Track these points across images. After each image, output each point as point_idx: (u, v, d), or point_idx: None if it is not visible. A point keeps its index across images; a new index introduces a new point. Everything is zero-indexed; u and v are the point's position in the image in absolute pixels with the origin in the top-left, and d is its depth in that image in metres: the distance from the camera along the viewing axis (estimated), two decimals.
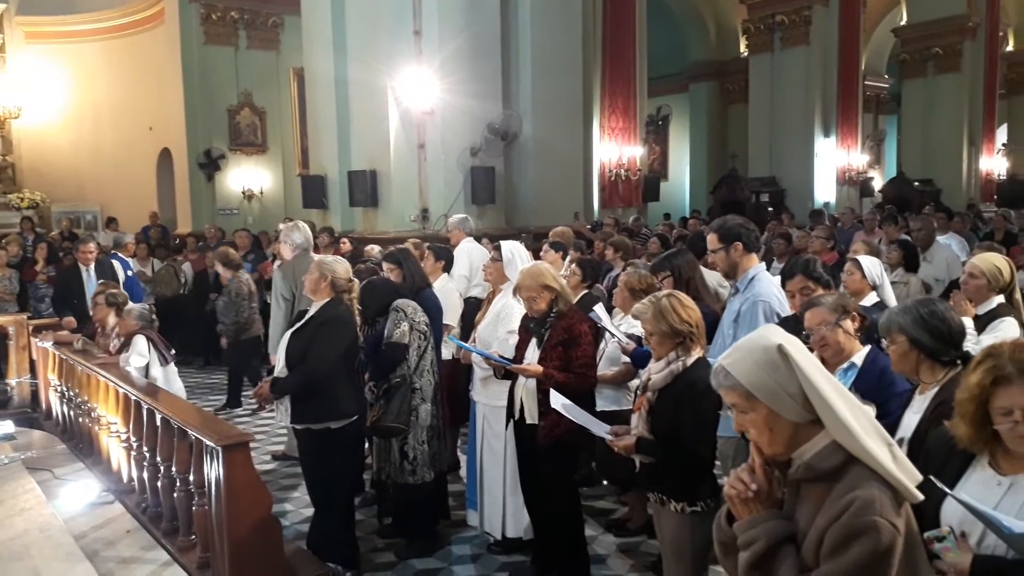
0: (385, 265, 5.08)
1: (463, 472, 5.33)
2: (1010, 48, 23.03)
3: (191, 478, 3.88)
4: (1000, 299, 3.87)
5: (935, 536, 2.02)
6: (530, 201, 10.45)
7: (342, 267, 4.21)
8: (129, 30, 15.96)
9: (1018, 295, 4.10)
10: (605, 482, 5.45)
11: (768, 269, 6.10)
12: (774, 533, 1.67)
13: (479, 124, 9.69)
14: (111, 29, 16.14)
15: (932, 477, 1.99)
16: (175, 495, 4.06)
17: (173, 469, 4.04)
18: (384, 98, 9.46)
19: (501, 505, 4.42)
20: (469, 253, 6.60)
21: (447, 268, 5.67)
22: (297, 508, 5.26)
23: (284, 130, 15.63)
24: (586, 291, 5.20)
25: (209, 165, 14.60)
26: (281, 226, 6.33)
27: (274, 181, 15.49)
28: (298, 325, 4.16)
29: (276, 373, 4.17)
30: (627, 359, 4.43)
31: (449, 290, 5.54)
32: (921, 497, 1.66)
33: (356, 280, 4.33)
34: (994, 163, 21.44)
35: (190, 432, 3.83)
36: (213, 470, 3.65)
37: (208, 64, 14.51)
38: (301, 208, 11.52)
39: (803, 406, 1.67)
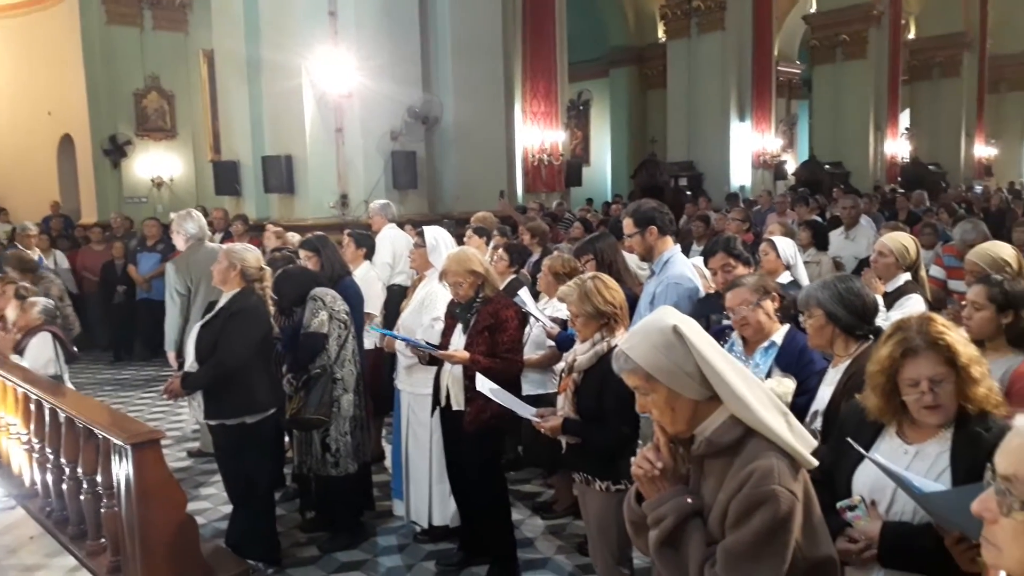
0: (302, 253, 4.93)
1: (388, 463, 5.25)
2: (912, 36, 24.07)
3: (99, 479, 3.71)
4: (907, 276, 4.02)
5: (847, 505, 2.08)
6: (453, 186, 10.35)
7: (252, 255, 4.06)
8: (25, 8, 14.99)
9: (923, 272, 4.27)
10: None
11: (687, 252, 6.25)
12: (682, 509, 1.71)
13: (399, 108, 9.51)
14: (5, 8, 15.13)
15: (849, 439, 2.05)
16: (82, 498, 3.88)
17: (79, 470, 3.85)
18: (299, 81, 9.18)
19: (427, 494, 4.37)
20: (392, 240, 6.48)
21: (368, 255, 5.55)
22: (215, 505, 5.09)
23: (194, 114, 15.02)
24: (513, 276, 5.19)
25: (114, 152, 13.92)
26: (173, 215, 5.99)
27: (185, 167, 14.89)
28: (208, 317, 4.00)
29: (186, 367, 3.99)
30: (552, 343, 4.43)
31: (371, 278, 5.43)
32: (815, 463, 1.71)
33: (268, 269, 4.18)
34: (898, 146, 22.42)
35: (97, 431, 3.65)
36: (122, 470, 3.50)
37: (111, 45, 13.79)
38: (214, 195, 11.11)
39: (701, 384, 1.71)
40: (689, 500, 1.74)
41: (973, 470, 1.87)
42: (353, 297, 4.72)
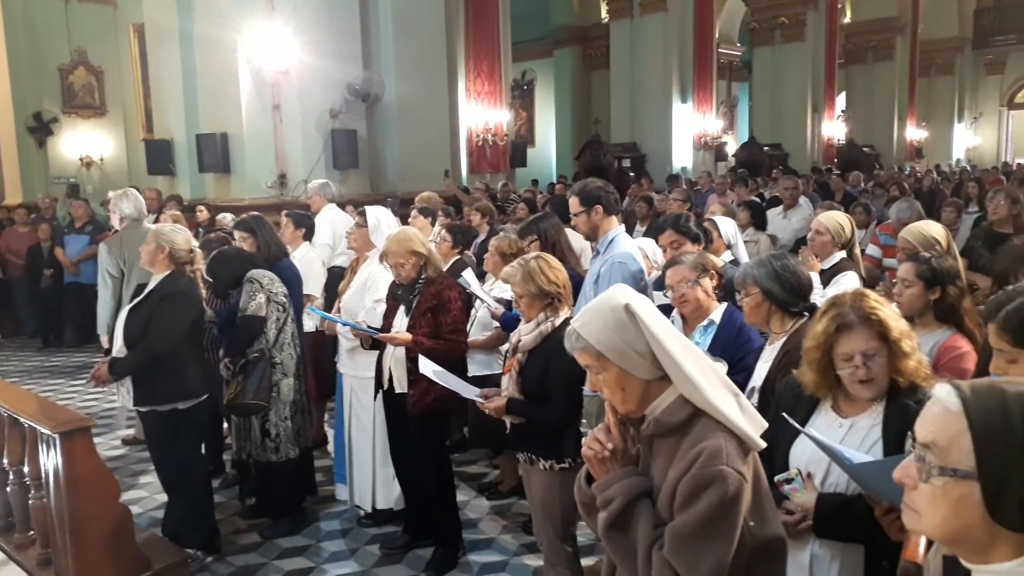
0: (237, 234, 4.79)
1: (331, 447, 5.17)
2: (847, 20, 24.61)
3: (26, 470, 3.56)
4: (842, 254, 4.12)
5: (784, 479, 2.13)
6: (396, 166, 10.19)
7: (181, 237, 3.93)
8: None
9: (857, 251, 4.38)
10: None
11: (631, 233, 6.29)
12: (630, 490, 1.70)
13: (338, 85, 9.30)
14: None
15: (785, 414, 2.09)
16: (8, 489, 3.73)
17: (4, 461, 3.70)
18: (234, 56, 8.89)
19: (371, 477, 4.33)
20: (332, 220, 6.34)
21: (308, 236, 5.43)
22: (151, 494, 4.95)
23: (125, 91, 14.43)
24: (457, 257, 5.13)
25: (40, 130, 13.31)
26: (111, 194, 5.81)
27: (116, 146, 14.34)
28: (136, 300, 3.86)
29: (115, 352, 3.85)
30: (497, 324, 4.41)
31: (310, 259, 5.31)
32: (763, 445, 1.72)
33: (199, 251, 4.05)
34: (834, 128, 22.97)
35: (23, 420, 3.50)
36: (51, 460, 3.37)
37: (34, 18, 13.13)
38: (146, 175, 10.74)
39: (652, 363, 1.69)
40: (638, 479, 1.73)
41: (903, 440, 1.92)
42: (292, 279, 4.61)
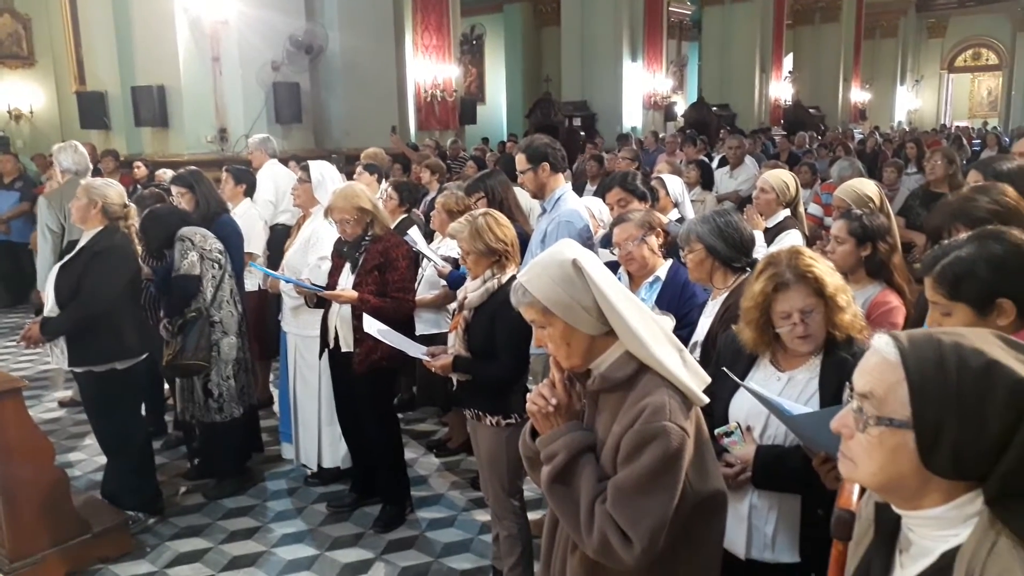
0: (174, 189, 4.63)
1: (277, 407, 5.11)
2: None
3: None
4: (786, 212, 4.17)
5: (724, 432, 2.16)
6: (341, 121, 9.95)
7: (114, 191, 3.78)
8: None
9: (801, 209, 4.44)
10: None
11: (581, 193, 6.28)
12: (574, 445, 1.70)
13: (280, 37, 9.00)
14: None
15: (724, 368, 2.11)
16: None
17: None
18: (170, 5, 8.52)
19: (316, 436, 4.29)
20: (274, 177, 6.17)
21: (248, 192, 5.28)
22: (90, 456, 4.84)
23: (55, 40, 13.70)
24: (404, 215, 5.05)
25: None
26: (55, 147, 5.60)
27: (46, 99, 13.68)
28: (68, 257, 3.71)
29: (46, 312, 3.71)
30: (444, 282, 4.38)
31: (252, 216, 5.17)
32: (706, 400, 1.74)
33: (133, 205, 3.90)
34: (781, 89, 23.20)
35: None
36: None
37: None
38: (79, 129, 10.29)
39: (598, 319, 1.69)
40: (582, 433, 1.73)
41: (839, 392, 1.95)
42: (232, 236, 4.49)
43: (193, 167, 4.98)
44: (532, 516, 3.43)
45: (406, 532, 3.91)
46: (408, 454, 4.55)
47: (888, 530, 1.20)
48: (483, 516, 3.94)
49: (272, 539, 3.88)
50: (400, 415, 5.13)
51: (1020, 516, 1.02)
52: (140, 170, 8.13)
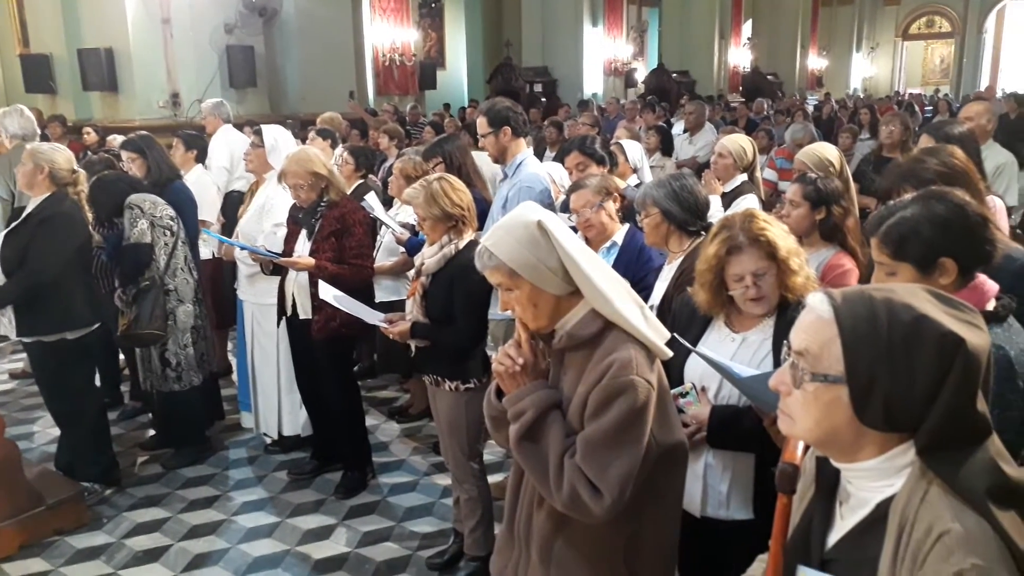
0: (124, 154, 4.51)
1: (236, 376, 5.06)
2: None
3: None
4: (743, 178, 4.21)
5: (679, 392, 2.20)
6: (297, 85, 9.75)
7: (62, 156, 3.67)
8: None
9: (758, 174, 4.49)
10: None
11: (541, 159, 6.25)
12: (542, 402, 1.73)
13: None
14: None
15: (676, 335, 2.14)
16: None
17: None
18: None
19: (276, 405, 4.27)
20: (228, 142, 6.02)
21: (200, 158, 5.16)
22: (44, 428, 4.76)
23: None
24: (360, 181, 4.99)
25: None
26: None
27: None
28: (14, 224, 3.60)
29: None
30: (403, 249, 4.35)
31: (205, 182, 5.06)
32: (670, 353, 1.78)
33: (81, 171, 3.79)
34: (740, 56, 23.29)
35: None
36: None
37: None
38: (24, 93, 9.92)
39: (563, 279, 1.71)
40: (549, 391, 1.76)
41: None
42: (185, 202, 4.40)
43: (144, 132, 4.85)
44: (492, 479, 3.47)
45: (368, 498, 3.92)
46: (369, 421, 4.55)
47: (828, 483, 1.23)
48: (444, 480, 3.97)
49: (232, 507, 3.87)
50: (361, 382, 5.13)
51: (949, 465, 1.05)
52: (90, 136, 7.89)
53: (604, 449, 1.64)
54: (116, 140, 6.51)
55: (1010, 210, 4.17)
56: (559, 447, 1.69)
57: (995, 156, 4.23)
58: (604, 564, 1.79)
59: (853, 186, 3.66)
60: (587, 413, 1.68)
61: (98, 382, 4.40)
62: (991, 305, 1.71)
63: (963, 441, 1.06)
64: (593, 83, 17.99)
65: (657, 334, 1.75)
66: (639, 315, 1.74)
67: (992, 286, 1.74)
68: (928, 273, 1.69)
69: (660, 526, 1.85)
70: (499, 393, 1.85)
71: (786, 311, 2.13)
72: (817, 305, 1.13)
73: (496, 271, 1.74)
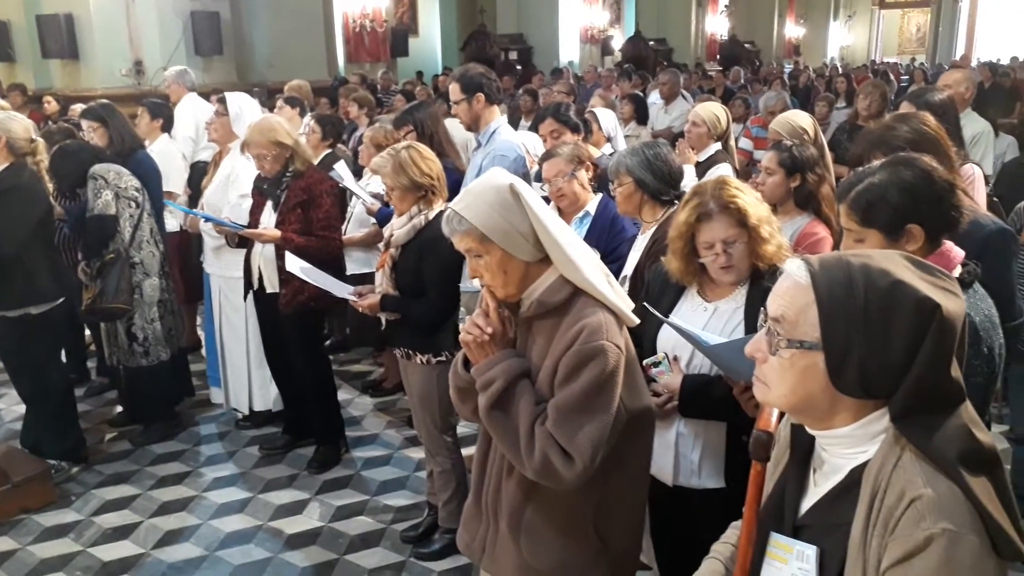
0: (85, 123, 4.38)
1: (206, 351, 4.99)
2: None
3: None
4: (718, 146, 4.18)
5: (652, 362, 2.19)
6: (265, 53, 9.53)
7: (19, 125, 3.55)
8: None
9: (732, 142, 4.45)
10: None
11: (516, 127, 6.17)
12: (511, 371, 1.71)
13: None
14: None
15: (647, 304, 2.12)
16: None
17: None
18: None
19: (246, 379, 4.22)
20: (194, 111, 5.87)
21: (166, 127, 5.02)
22: (9, 406, 4.67)
23: None
24: (328, 150, 4.89)
25: None
26: None
27: None
28: None
29: None
30: (373, 220, 4.28)
31: (170, 153, 4.93)
32: (637, 320, 1.78)
33: (41, 140, 3.67)
34: (718, 24, 23.16)
35: None
36: None
37: None
38: None
39: (534, 245, 1.69)
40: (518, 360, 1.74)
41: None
42: (149, 172, 4.28)
43: (104, 101, 4.70)
44: (466, 451, 3.44)
45: (341, 472, 3.90)
46: (343, 395, 4.51)
47: (803, 450, 1.23)
48: (419, 454, 3.95)
49: (203, 483, 3.83)
50: (334, 356, 5.09)
51: (922, 431, 1.05)
52: (51, 105, 7.67)
53: (575, 414, 1.64)
54: (77, 109, 6.33)
55: (987, 178, 4.19)
56: (530, 415, 1.68)
57: (972, 124, 4.23)
58: (574, 531, 1.79)
59: (828, 154, 3.65)
60: (558, 379, 1.67)
61: (64, 358, 4.33)
62: (957, 272, 1.70)
63: (937, 407, 1.06)
64: (569, 51, 17.80)
65: (624, 301, 1.75)
66: (606, 283, 1.73)
67: (958, 253, 1.74)
68: (896, 239, 1.69)
69: (628, 491, 1.85)
70: (466, 364, 1.82)
71: (759, 280, 2.11)
72: (794, 271, 1.12)
73: (466, 236, 1.70)
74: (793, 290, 1.10)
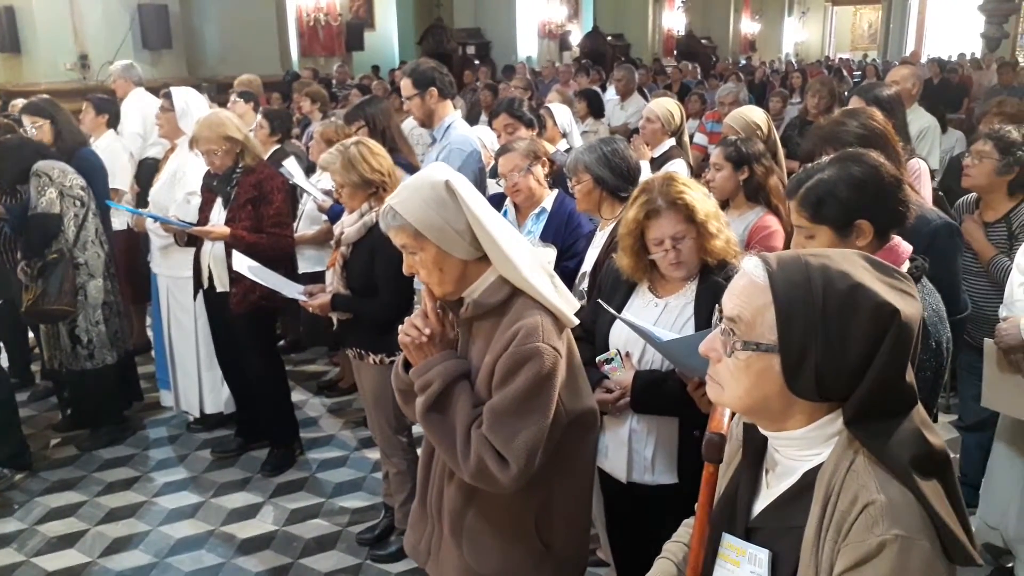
0: (27, 119, 4.23)
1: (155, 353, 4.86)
2: None
3: None
4: (672, 142, 4.19)
5: (604, 359, 2.18)
6: (216, 47, 9.33)
7: None
8: None
9: (686, 138, 4.47)
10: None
11: (476, 123, 6.12)
12: (449, 373, 1.68)
13: None
14: None
15: (600, 301, 2.11)
16: None
17: None
18: None
19: (196, 382, 4.12)
20: (141, 107, 5.70)
21: (112, 123, 4.88)
22: None
23: None
24: (277, 146, 4.79)
25: None
26: None
27: None
28: None
29: None
30: (325, 217, 4.20)
31: (116, 150, 4.79)
32: (577, 322, 1.74)
33: None
34: (675, 19, 23.32)
35: None
36: None
37: None
38: None
39: (471, 243, 1.66)
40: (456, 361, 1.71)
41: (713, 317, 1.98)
42: (94, 170, 4.16)
43: (46, 95, 4.55)
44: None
45: (296, 474, 3.83)
46: (297, 396, 4.44)
47: (756, 451, 1.22)
48: (375, 455, 3.89)
49: (153, 488, 3.73)
50: (288, 356, 5.00)
51: (876, 436, 1.04)
52: None
53: (510, 418, 1.61)
54: (19, 104, 6.12)
55: (932, 173, 4.27)
56: (466, 418, 1.65)
57: (919, 120, 4.30)
58: (515, 535, 1.77)
59: (781, 150, 3.68)
60: (494, 382, 1.64)
61: (5, 362, 4.18)
62: (905, 267, 1.71)
63: (891, 412, 1.05)
64: (527, 46, 17.77)
65: (566, 302, 1.71)
66: (548, 283, 1.70)
67: (906, 247, 1.75)
68: (845, 235, 1.69)
69: (571, 494, 1.82)
70: (407, 365, 1.79)
71: (708, 275, 2.12)
72: (751, 270, 1.09)
73: (401, 231, 1.67)
74: (750, 289, 1.08)
